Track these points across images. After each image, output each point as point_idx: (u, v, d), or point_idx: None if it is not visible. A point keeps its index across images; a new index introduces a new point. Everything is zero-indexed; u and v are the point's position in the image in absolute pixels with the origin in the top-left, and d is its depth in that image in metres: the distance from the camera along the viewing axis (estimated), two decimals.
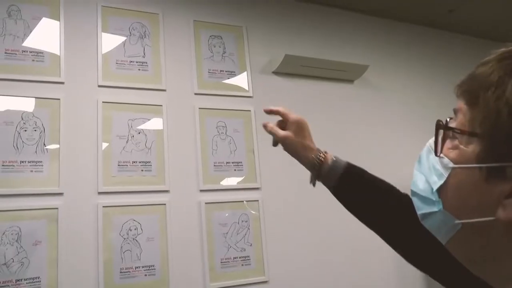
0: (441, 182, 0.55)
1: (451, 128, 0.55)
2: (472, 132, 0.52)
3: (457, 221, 0.54)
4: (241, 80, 2.47)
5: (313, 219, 2.44)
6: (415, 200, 0.61)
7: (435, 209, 0.56)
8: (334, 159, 0.99)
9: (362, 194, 0.97)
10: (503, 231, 0.50)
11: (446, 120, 0.57)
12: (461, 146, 0.54)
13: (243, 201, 2.29)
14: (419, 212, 0.60)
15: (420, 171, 0.60)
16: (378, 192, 0.96)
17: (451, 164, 0.54)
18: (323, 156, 0.99)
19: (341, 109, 2.73)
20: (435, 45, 3.24)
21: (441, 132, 0.56)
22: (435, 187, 0.56)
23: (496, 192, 0.50)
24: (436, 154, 0.56)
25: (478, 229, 0.52)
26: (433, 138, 0.58)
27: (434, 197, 0.56)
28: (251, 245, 2.25)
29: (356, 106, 2.79)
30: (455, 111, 0.56)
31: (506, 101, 0.48)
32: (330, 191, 1.00)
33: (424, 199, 0.58)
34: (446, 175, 0.55)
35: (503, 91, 0.49)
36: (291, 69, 2.58)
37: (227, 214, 2.23)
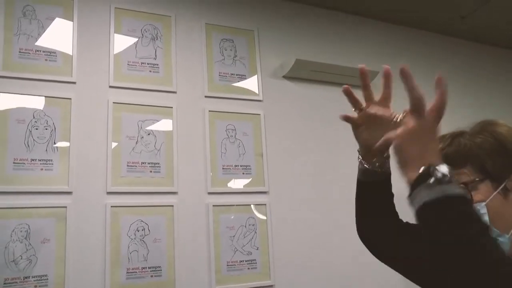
0: (487, 218, 0.79)
1: (474, 181, 0.83)
2: (477, 179, 0.83)
3: (507, 235, 0.79)
4: (252, 84, 2.48)
5: (320, 224, 2.43)
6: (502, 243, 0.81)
7: (501, 239, 0.79)
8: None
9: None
10: None
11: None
12: (476, 191, 0.81)
13: (250, 205, 2.29)
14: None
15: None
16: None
17: (483, 203, 0.80)
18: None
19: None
20: (447, 52, 3.22)
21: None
22: (488, 223, 0.79)
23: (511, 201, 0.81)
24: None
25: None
26: None
27: (495, 233, 0.79)
28: (257, 249, 2.24)
29: None
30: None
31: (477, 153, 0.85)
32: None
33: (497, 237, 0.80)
34: (485, 211, 0.80)
35: (470, 147, 0.85)
36: (302, 73, 2.57)
37: (233, 217, 2.24)
